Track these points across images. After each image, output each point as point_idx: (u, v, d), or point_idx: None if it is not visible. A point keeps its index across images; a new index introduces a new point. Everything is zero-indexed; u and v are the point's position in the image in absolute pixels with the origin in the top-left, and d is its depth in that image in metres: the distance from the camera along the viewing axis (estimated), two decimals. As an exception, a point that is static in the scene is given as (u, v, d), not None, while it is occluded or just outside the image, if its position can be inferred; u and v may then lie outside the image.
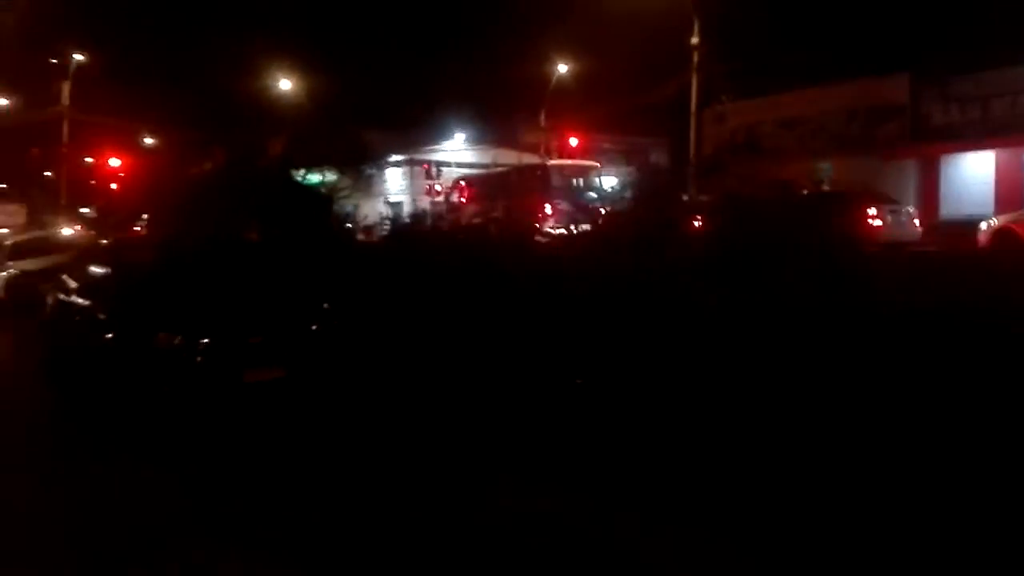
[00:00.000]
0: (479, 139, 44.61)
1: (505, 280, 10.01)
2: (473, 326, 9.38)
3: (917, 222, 22.49)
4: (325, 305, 9.13)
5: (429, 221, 15.32)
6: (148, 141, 52.72)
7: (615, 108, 37.84)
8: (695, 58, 28.05)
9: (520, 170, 34.52)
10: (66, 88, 38.56)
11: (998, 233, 19.96)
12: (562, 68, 40.98)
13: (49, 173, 54.41)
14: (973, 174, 27.19)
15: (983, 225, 20.73)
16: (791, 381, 7.07)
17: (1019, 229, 19.60)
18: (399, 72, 42.94)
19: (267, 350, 8.34)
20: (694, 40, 27.86)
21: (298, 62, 44.30)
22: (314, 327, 8.75)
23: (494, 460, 7.09)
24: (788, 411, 6.81)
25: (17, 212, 45.95)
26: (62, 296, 10.44)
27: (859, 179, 27.78)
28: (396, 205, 34.95)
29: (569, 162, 32.77)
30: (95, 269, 10.53)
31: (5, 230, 38.73)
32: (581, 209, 30.17)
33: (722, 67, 28.94)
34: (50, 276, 18.24)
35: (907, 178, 28.27)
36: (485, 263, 10.03)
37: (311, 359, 8.50)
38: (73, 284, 10.42)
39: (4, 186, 48.05)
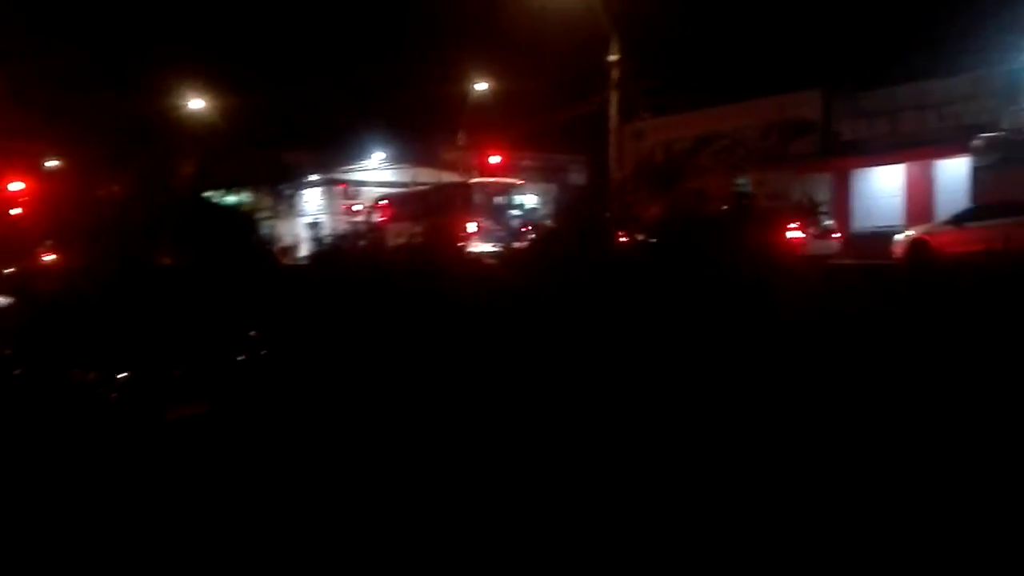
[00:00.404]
0: (398, 158, 44.18)
1: (435, 302, 9.70)
2: (407, 352, 9.01)
3: (837, 235, 23.09)
4: (251, 333, 8.64)
5: (352, 242, 14.86)
6: (51, 163, 50.96)
7: (534, 125, 37.77)
8: (613, 75, 28.11)
9: (442, 188, 34.22)
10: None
11: (912, 244, 20.54)
12: (480, 86, 40.79)
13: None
14: (883, 187, 27.87)
15: (898, 237, 21.28)
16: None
17: (932, 240, 20.15)
18: (315, 91, 42.11)
19: (189, 383, 7.82)
20: (612, 57, 27.91)
21: (211, 81, 43.27)
22: (240, 357, 8.25)
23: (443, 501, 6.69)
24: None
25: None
26: None
27: (774, 193, 28.31)
28: (314, 226, 34.33)
29: (492, 179, 32.55)
30: (-1, 300, 9.86)
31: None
32: (505, 227, 30.14)
33: (641, 84, 29.07)
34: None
35: (820, 192, 28.75)
36: (412, 286, 9.65)
37: (237, 392, 8.01)
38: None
39: None
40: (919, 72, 26.82)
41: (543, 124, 37.08)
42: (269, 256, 12.07)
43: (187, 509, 6.58)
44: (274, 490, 6.89)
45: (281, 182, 28.97)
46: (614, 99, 28.45)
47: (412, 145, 42.82)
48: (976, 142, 24.05)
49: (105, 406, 7.47)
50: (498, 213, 30.59)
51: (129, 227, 10.89)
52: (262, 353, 8.55)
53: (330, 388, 8.76)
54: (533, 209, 32.27)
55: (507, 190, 31.48)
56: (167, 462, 7.43)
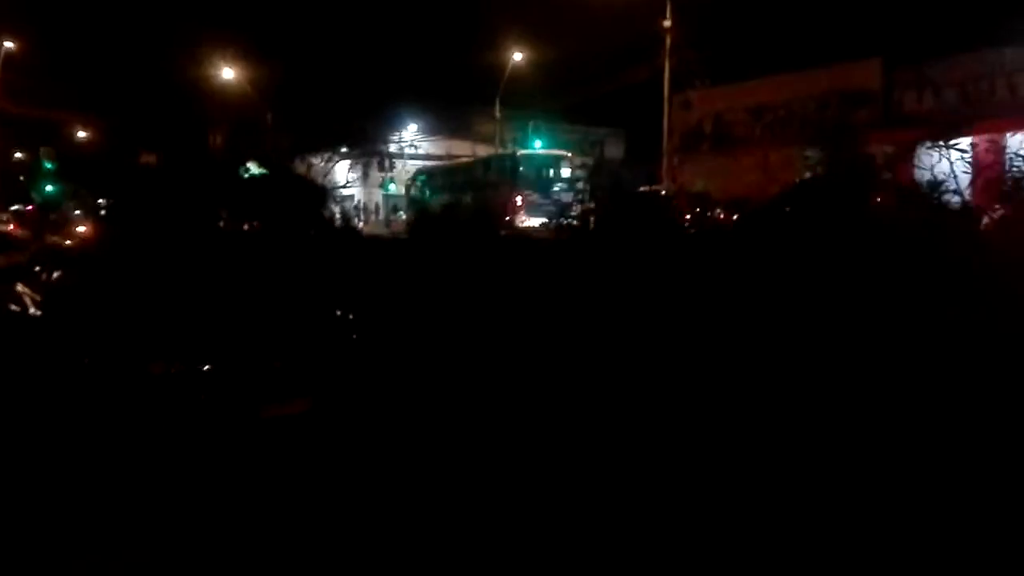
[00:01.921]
0: (432, 130, 42.73)
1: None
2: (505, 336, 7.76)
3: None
4: (349, 316, 7.41)
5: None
6: (82, 134, 49.87)
7: (574, 96, 36.34)
8: (667, 41, 26.69)
9: (487, 161, 32.83)
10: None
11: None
12: (518, 55, 39.33)
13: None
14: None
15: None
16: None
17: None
18: (348, 62, 40.67)
19: (288, 376, 6.60)
20: (666, 23, 26.50)
21: (242, 51, 42.00)
22: (342, 343, 7.02)
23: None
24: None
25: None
26: (17, 309, 8.50)
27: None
28: (347, 199, 33.05)
29: (540, 151, 31.15)
30: (56, 277, 8.63)
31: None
32: (552, 201, 28.92)
33: (695, 52, 27.61)
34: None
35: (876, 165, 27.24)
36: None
37: (342, 384, 6.78)
38: (30, 296, 8.47)
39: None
40: (985, 40, 25.22)
41: (585, 94, 35.68)
42: (350, 230, 10.80)
43: (292, 531, 5.36)
44: (392, 510, 5.65)
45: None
46: (667, 67, 27.08)
47: (446, 116, 41.38)
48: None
49: (192, 405, 6.26)
50: (546, 187, 29.34)
51: (195, 196, 9.63)
52: (360, 338, 7.31)
53: (436, 379, 7.50)
54: (577, 182, 31.23)
55: (555, 163, 30.12)
56: (265, 471, 6.21)
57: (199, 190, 10.09)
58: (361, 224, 24.74)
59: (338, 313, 7.65)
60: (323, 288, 7.62)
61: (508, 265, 8.27)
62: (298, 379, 6.63)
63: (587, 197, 30.05)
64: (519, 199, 26.99)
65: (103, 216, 12.60)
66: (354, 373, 6.91)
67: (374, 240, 11.67)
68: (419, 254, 8.51)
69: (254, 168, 10.54)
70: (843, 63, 28.55)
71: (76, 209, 38.91)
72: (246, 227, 9.74)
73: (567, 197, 28.51)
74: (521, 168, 28.54)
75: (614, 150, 47.48)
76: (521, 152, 31.31)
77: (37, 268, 10.83)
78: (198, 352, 6.44)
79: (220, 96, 42.74)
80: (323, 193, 11.14)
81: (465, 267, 7.76)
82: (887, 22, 28.79)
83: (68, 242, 12.47)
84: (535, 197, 27.50)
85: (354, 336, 7.39)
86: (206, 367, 6.37)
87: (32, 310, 8.23)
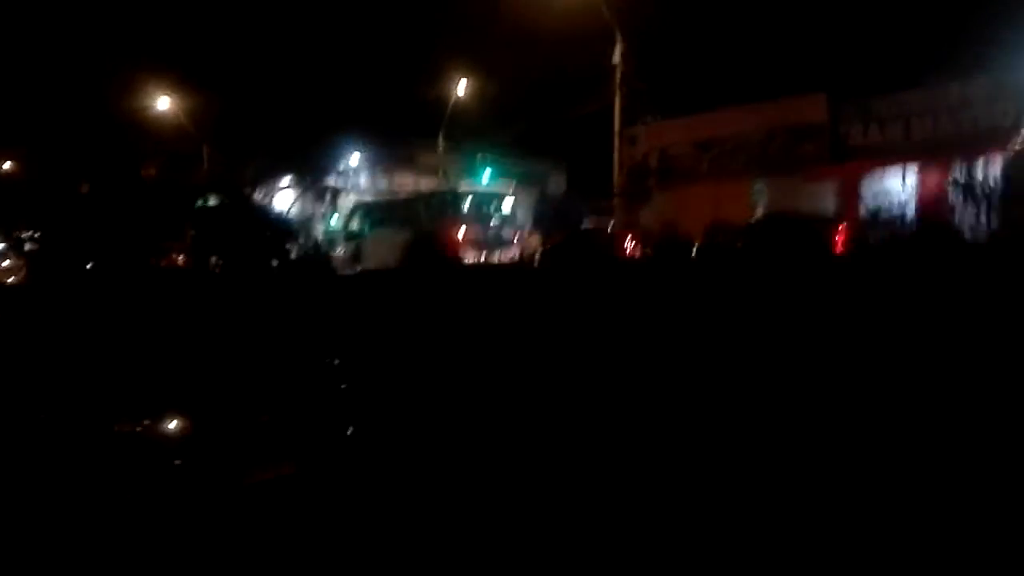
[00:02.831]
0: (376, 161, 41.84)
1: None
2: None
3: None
4: (334, 361, 6.61)
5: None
6: (5, 165, 47.75)
7: (518, 129, 35.92)
8: (617, 75, 26.43)
9: (428, 197, 32.21)
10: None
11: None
12: (461, 87, 38.94)
13: None
14: (895, 192, 26.47)
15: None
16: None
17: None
18: (290, 91, 39.65)
19: (272, 433, 5.77)
20: (617, 55, 26.26)
21: (178, 79, 40.72)
22: (329, 394, 6.21)
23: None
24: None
25: None
26: None
27: (779, 199, 26.82)
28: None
29: (481, 188, 30.79)
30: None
31: None
32: (494, 236, 28.60)
33: (641, 86, 27.40)
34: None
35: (825, 198, 27.34)
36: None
37: (330, 443, 5.97)
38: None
39: None
40: (931, 75, 25.54)
41: (531, 126, 35.31)
42: (322, 263, 9.97)
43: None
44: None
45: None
46: (618, 100, 26.80)
47: (391, 148, 40.56)
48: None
49: (165, 470, 5.40)
50: (485, 221, 28.97)
51: (147, 227, 8.72)
52: (347, 387, 6.50)
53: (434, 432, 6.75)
54: (512, 217, 31.04)
55: (496, 199, 29.83)
56: (252, 547, 5.35)
57: (150, 219, 9.24)
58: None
59: (322, 357, 6.85)
60: (304, 329, 6.82)
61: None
62: (283, 436, 5.81)
63: (529, 231, 29.97)
64: (460, 234, 26.48)
65: (33, 251, 11.54)
66: (344, 426, 6.11)
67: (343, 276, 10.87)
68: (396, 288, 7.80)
69: (211, 199, 9.72)
70: (789, 98, 28.63)
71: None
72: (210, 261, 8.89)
73: (507, 233, 28.28)
74: (463, 204, 28.06)
75: (555, 184, 47.23)
76: (463, 188, 30.91)
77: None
78: (168, 407, 5.59)
79: (154, 127, 41.38)
80: (287, 225, 10.30)
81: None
82: (832, 57, 29.05)
83: None
84: (476, 232, 27.05)
85: (342, 384, 6.58)
86: (178, 425, 5.51)
87: None
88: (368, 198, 37.01)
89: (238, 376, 5.91)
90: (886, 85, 26.47)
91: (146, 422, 5.51)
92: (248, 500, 5.47)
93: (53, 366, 6.10)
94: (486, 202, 29.64)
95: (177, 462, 5.40)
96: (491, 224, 29.10)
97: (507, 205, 30.08)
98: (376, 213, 32.96)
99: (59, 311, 7.35)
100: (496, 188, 31.77)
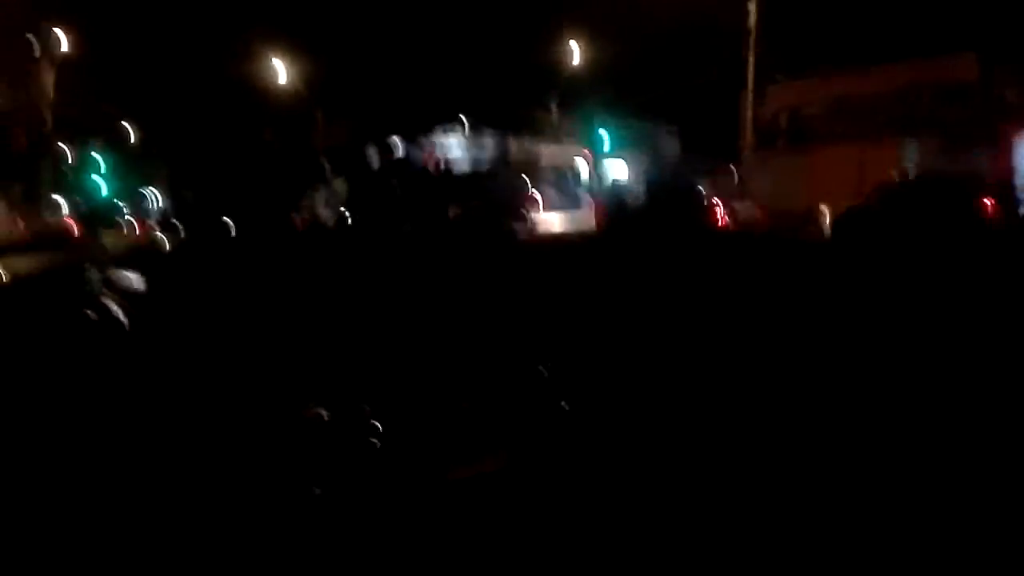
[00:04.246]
0: (488, 125, 40.83)
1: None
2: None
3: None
4: (538, 338, 5.69)
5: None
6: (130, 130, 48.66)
7: (641, 95, 34.52)
8: (753, 32, 24.82)
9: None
10: (51, 80, 34.19)
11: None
12: (575, 55, 37.69)
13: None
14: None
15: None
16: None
17: None
18: (399, 54, 38.99)
19: (475, 423, 4.90)
20: (751, 7, 24.65)
21: (289, 47, 40.53)
22: (537, 377, 5.29)
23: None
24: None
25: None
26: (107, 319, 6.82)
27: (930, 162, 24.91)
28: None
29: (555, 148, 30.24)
30: (150, 288, 6.98)
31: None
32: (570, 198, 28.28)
33: (776, 43, 25.70)
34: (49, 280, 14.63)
35: (978, 161, 25.27)
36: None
37: (543, 432, 5.06)
38: (118, 304, 6.78)
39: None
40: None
41: (654, 91, 33.88)
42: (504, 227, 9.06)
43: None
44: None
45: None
46: (751, 59, 25.22)
47: (505, 111, 39.52)
48: None
49: (359, 462, 4.58)
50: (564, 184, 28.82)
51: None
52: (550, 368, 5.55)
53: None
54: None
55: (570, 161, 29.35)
56: (456, 551, 4.49)
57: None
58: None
59: (526, 333, 5.95)
60: (503, 303, 5.94)
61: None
62: (488, 425, 4.93)
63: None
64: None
65: (191, 216, 10.96)
66: (556, 413, 5.19)
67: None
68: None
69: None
70: (935, 57, 26.52)
71: (127, 208, 37.70)
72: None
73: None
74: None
75: (669, 147, 45.59)
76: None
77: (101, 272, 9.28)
78: (363, 391, 4.78)
79: (270, 93, 41.37)
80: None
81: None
82: (981, 15, 26.73)
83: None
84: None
85: (548, 364, 5.63)
86: (373, 411, 4.70)
87: (122, 320, 6.56)
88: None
89: (434, 357, 5.06)
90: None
91: (336, 408, 4.70)
92: (453, 498, 4.61)
93: (237, 346, 5.35)
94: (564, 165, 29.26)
95: (371, 453, 4.59)
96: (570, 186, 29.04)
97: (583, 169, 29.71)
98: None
99: (240, 284, 6.61)
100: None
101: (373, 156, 22.90)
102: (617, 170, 39.28)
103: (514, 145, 38.88)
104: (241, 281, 6.05)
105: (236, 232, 17.36)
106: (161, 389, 5.56)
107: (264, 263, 6.02)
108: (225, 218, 20.01)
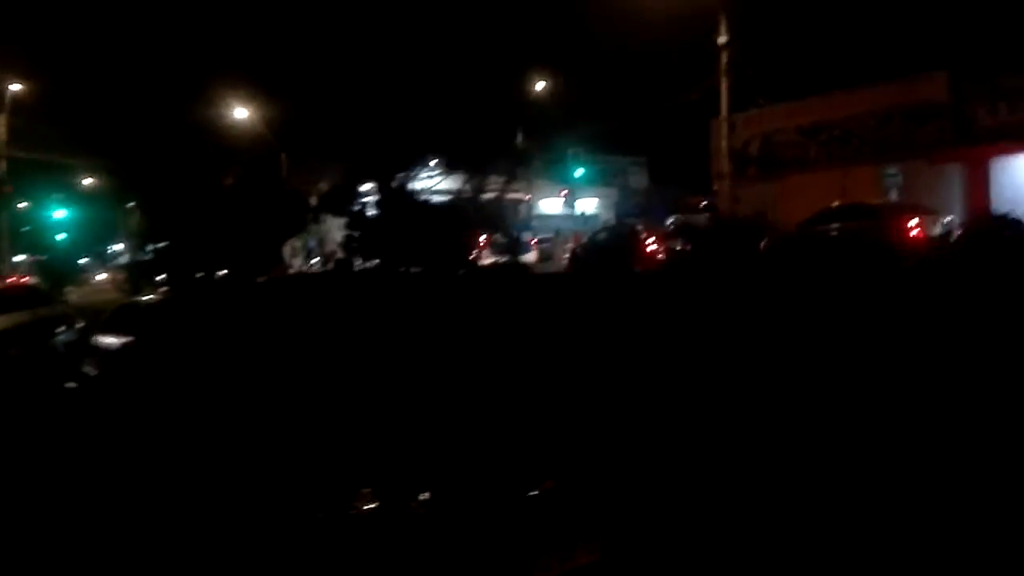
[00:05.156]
0: (452, 164, 40.13)
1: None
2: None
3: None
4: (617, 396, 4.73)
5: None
6: (86, 181, 47.13)
7: (608, 124, 34.06)
8: (723, 59, 24.35)
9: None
10: (2, 121, 32.79)
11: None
12: (540, 84, 37.21)
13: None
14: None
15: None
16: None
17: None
18: (359, 92, 38.22)
19: (563, 508, 3.92)
20: (722, 40, 24.20)
21: (254, 90, 39.63)
22: (627, 443, 4.32)
23: None
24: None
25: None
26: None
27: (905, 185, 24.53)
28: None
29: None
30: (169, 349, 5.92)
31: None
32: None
33: (749, 71, 25.25)
34: (14, 340, 13.39)
35: (951, 183, 24.91)
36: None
37: (641, 513, 4.09)
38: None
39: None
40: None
41: (622, 121, 33.42)
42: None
43: None
44: None
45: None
46: (724, 86, 24.71)
47: (470, 150, 38.78)
48: None
49: (421, 564, 3.58)
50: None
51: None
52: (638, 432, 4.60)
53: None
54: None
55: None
56: None
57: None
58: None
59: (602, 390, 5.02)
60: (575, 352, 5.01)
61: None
62: (577, 508, 3.95)
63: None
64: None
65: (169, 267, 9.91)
66: (652, 487, 4.22)
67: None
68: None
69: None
70: (906, 78, 26.22)
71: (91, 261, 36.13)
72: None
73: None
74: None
75: (638, 179, 45.28)
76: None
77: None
78: (415, 471, 3.80)
79: (231, 135, 40.31)
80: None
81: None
82: (950, 35, 26.58)
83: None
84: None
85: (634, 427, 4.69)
86: (429, 497, 3.72)
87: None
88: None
89: (506, 426, 4.10)
90: (1013, 63, 23.94)
91: (390, 497, 3.71)
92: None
93: (256, 417, 4.33)
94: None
95: (436, 553, 3.60)
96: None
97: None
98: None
99: (254, 341, 5.55)
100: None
101: (363, 195, 22.13)
102: (588, 205, 38.84)
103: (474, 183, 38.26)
104: (255, 337, 5.06)
105: (225, 282, 16.32)
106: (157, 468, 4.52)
107: (285, 313, 5.05)
108: (207, 267, 18.93)
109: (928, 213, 19.09)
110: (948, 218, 19.66)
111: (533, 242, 34.04)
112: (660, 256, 23.50)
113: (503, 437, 3.98)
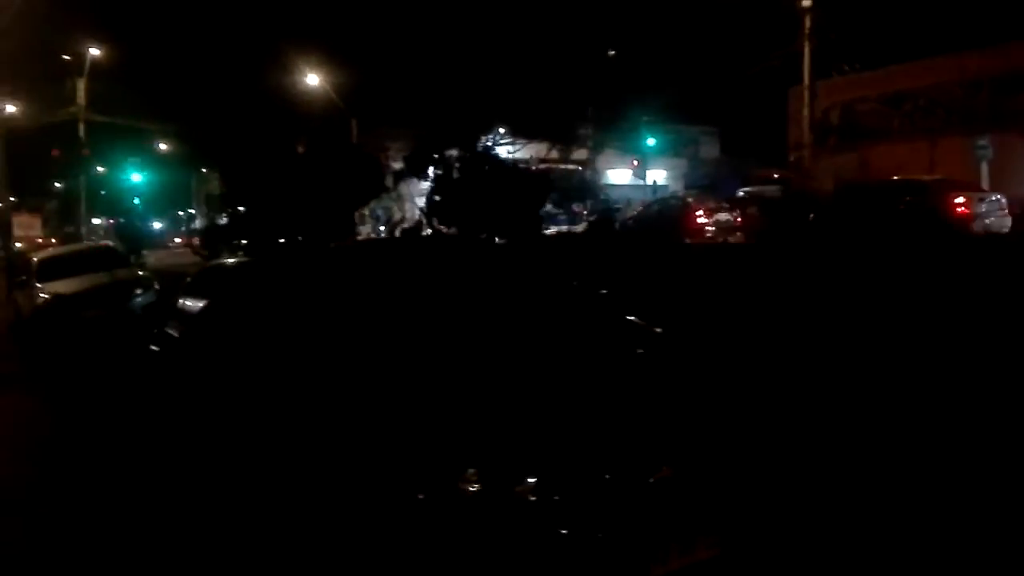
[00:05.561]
0: (521, 132, 39.72)
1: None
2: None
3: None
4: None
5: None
6: (162, 147, 47.80)
7: (670, 95, 33.23)
8: (806, 23, 23.44)
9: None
10: (81, 86, 33.28)
11: None
12: (611, 51, 36.46)
13: (59, 184, 49.02)
14: None
15: None
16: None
17: None
18: (431, 61, 37.91)
19: (681, 498, 3.59)
20: (806, 2, 23.28)
21: (325, 56, 39.61)
22: (748, 429, 3.96)
23: None
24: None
25: (31, 223, 40.39)
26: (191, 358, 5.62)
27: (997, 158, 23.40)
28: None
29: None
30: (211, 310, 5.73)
31: (21, 244, 33.48)
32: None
33: (833, 35, 24.27)
34: (93, 302, 13.54)
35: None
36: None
37: (764, 504, 3.74)
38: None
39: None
40: None
41: (673, 93, 32.60)
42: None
43: None
44: None
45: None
46: (807, 51, 23.82)
47: (543, 118, 38.31)
48: None
49: (527, 553, 3.31)
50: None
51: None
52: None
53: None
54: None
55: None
56: None
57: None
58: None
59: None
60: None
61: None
62: (697, 499, 3.62)
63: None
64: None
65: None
66: (773, 476, 3.86)
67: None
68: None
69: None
70: (995, 46, 24.97)
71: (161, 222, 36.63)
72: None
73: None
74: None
75: (709, 149, 44.31)
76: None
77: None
78: (521, 452, 3.51)
79: (303, 102, 40.48)
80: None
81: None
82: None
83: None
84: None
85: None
86: (537, 482, 3.43)
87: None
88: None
89: (618, 407, 3.78)
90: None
91: (495, 479, 3.43)
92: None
93: (354, 391, 4.07)
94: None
95: (552, 534, 3.33)
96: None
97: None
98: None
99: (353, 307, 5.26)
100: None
101: (443, 162, 21.89)
102: (658, 175, 38.19)
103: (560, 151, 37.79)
104: (354, 302, 4.82)
105: (303, 247, 16.27)
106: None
107: (376, 280, 4.81)
108: (285, 233, 18.93)
109: (976, 190, 18.67)
110: (994, 196, 18.83)
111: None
112: (709, 229, 23.63)
113: (615, 418, 3.65)
